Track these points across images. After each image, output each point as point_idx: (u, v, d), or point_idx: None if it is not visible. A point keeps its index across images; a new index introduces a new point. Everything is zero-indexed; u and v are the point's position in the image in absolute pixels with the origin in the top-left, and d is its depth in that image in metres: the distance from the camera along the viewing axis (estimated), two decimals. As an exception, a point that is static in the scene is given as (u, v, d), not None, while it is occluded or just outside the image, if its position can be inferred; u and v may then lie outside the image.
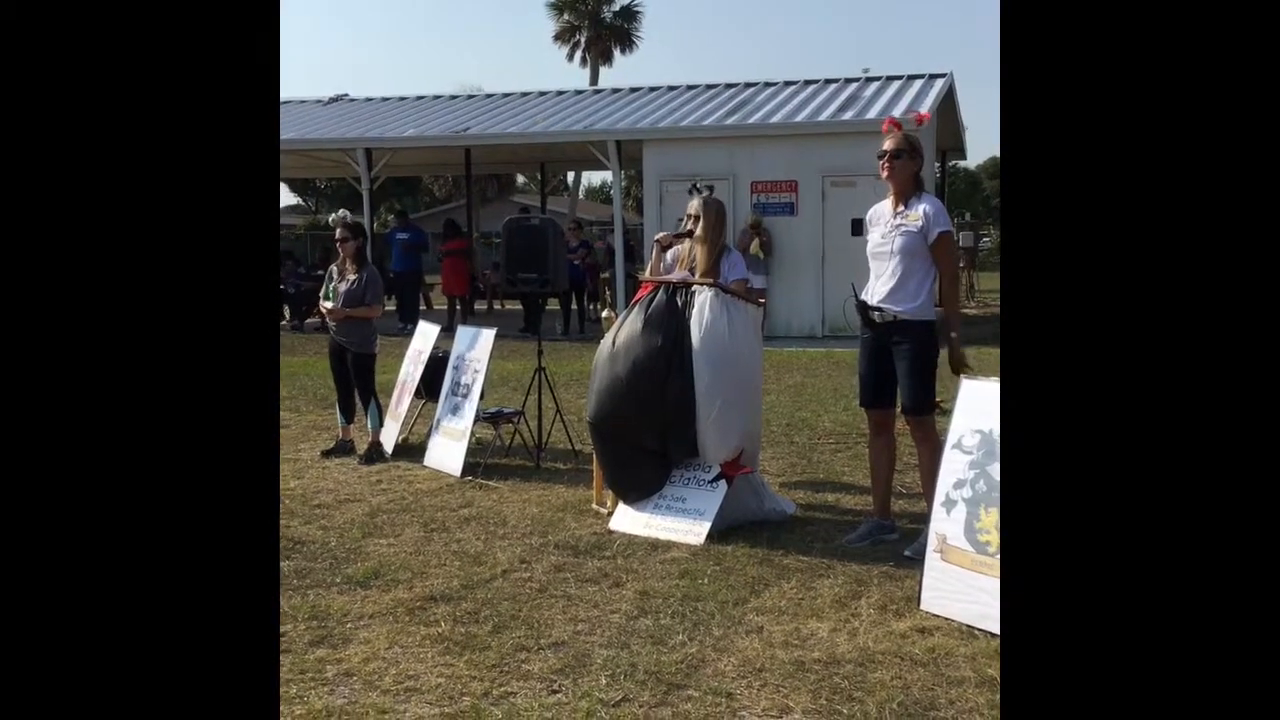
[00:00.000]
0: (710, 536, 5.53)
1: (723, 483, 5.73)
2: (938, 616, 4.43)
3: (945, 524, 4.53)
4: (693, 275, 6.04)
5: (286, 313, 18.72)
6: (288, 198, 52.91)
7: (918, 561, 4.81)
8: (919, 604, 4.55)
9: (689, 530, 5.61)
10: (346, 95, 23.36)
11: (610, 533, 5.80)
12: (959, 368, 5.36)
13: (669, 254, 6.33)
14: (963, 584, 4.39)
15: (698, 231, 6.10)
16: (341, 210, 8.76)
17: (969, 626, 4.29)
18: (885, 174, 5.42)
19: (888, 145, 5.41)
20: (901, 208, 5.39)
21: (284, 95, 23.76)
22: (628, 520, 5.87)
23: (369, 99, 23.01)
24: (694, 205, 6.17)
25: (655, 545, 5.53)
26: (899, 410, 5.50)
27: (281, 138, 19.52)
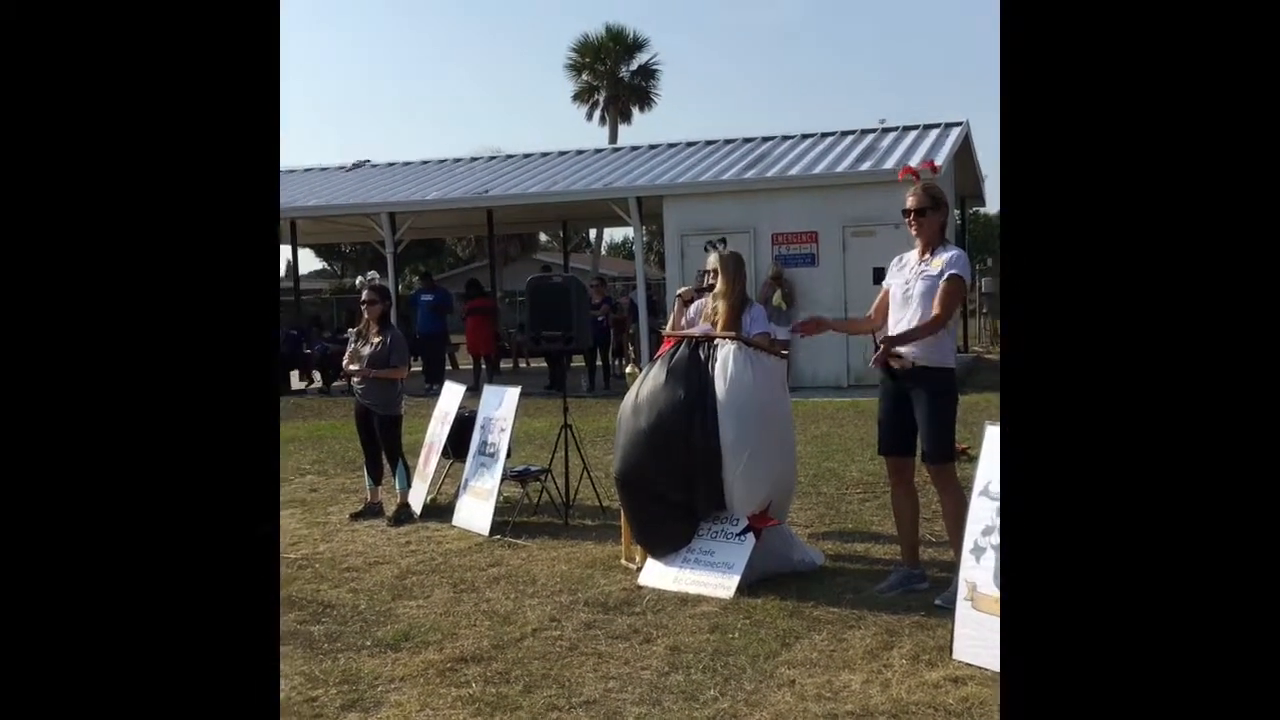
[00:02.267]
0: (739, 589, 5.52)
1: (751, 535, 5.72)
2: (971, 665, 4.40)
3: (975, 571, 4.51)
4: (715, 329, 6.07)
5: (315, 376, 18.86)
6: (313, 263, 53.35)
7: (949, 610, 4.78)
8: (952, 653, 4.52)
9: (718, 584, 5.59)
10: (369, 161, 23.66)
11: (640, 588, 5.78)
12: (885, 355, 5.31)
13: (691, 308, 6.37)
14: (995, 632, 4.35)
15: (718, 287, 6.14)
16: (371, 273, 8.92)
17: (1003, 675, 4.25)
18: (914, 231, 5.45)
19: (911, 204, 5.43)
20: (928, 256, 5.42)
21: (308, 164, 24.14)
22: (657, 575, 5.86)
23: (391, 164, 23.29)
24: (712, 260, 6.22)
25: (685, 600, 5.52)
26: (919, 458, 5.48)
27: (306, 204, 19.87)
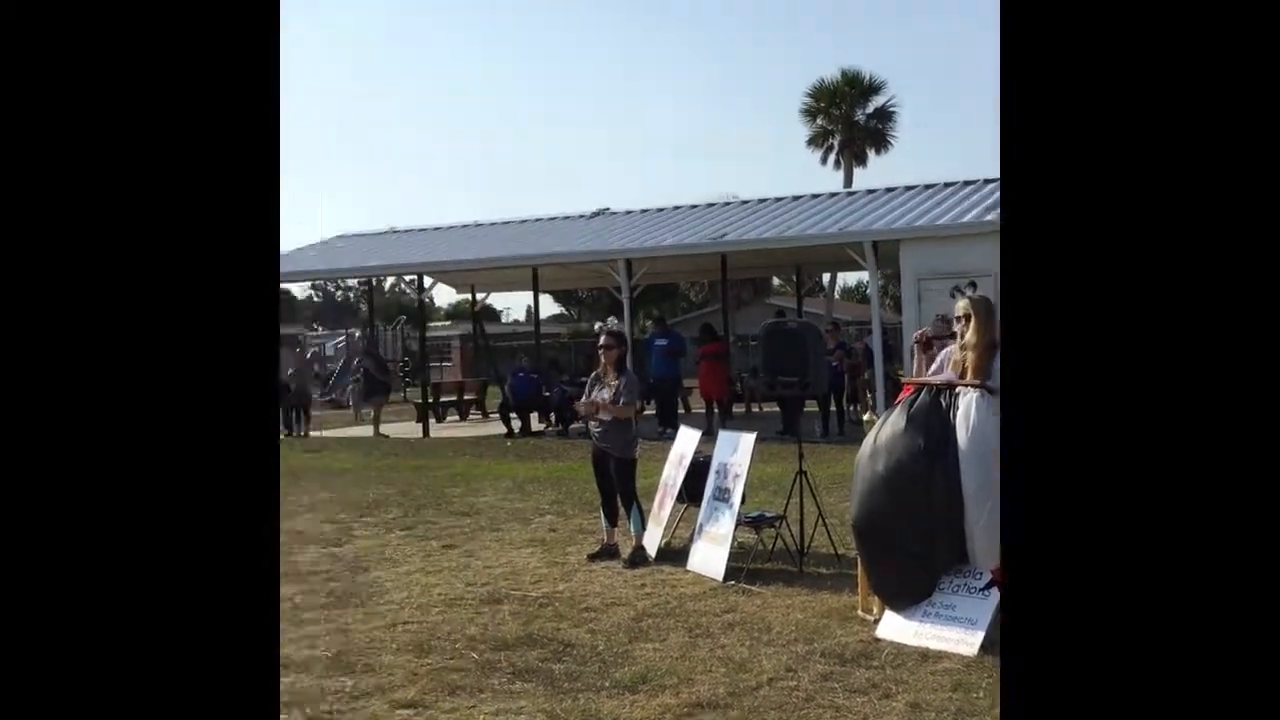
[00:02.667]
0: (984, 647, 5.30)
1: (995, 590, 5.50)
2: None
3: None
4: (961, 377, 5.87)
5: (552, 418, 19.41)
6: (551, 307, 55.17)
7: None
8: None
9: (961, 640, 5.40)
10: (608, 209, 24.28)
11: (878, 640, 5.65)
12: None
13: (940, 355, 6.18)
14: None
15: (969, 334, 5.91)
16: (610, 318, 9.13)
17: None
18: None
19: None
20: None
21: (550, 213, 25.01)
22: (896, 628, 5.71)
23: (629, 211, 23.82)
24: (962, 306, 6.01)
25: (926, 655, 5.35)
26: None
27: (546, 251, 20.55)
